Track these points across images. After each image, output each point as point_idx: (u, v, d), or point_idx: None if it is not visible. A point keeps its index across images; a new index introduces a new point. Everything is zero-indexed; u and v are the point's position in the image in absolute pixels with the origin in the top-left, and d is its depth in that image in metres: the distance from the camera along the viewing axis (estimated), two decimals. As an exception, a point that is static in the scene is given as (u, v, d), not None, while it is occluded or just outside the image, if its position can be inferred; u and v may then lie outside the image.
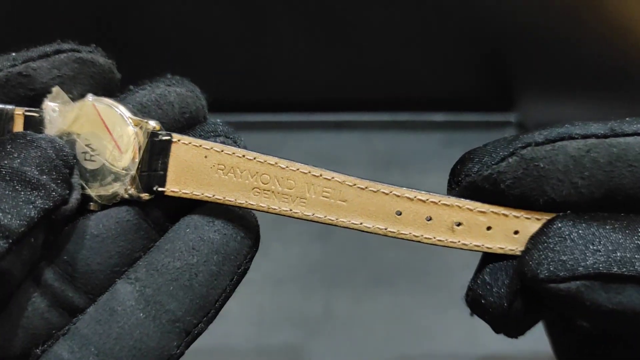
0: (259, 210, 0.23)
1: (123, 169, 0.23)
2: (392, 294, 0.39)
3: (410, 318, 0.40)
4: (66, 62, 0.23)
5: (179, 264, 0.21)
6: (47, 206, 0.20)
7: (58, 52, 0.23)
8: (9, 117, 0.23)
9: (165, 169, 0.23)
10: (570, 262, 0.21)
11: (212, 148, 0.22)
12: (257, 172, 0.22)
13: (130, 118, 0.23)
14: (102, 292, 0.22)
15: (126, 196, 0.23)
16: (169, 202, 0.23)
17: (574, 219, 0.22)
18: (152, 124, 0.23)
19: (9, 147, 0.21)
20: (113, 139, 0.23)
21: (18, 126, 0.23)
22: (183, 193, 0.23)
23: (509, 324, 0.24)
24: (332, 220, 0.23)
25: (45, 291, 0.22)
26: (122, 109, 0.23)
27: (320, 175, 0.23)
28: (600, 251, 0.21)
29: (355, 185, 0.23)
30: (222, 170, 0.23)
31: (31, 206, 0.20)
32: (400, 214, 0.23)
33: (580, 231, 0.22)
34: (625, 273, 0.21)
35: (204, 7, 0.44)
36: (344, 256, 0.43)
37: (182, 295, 0.21)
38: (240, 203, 0.22)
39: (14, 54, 0.23)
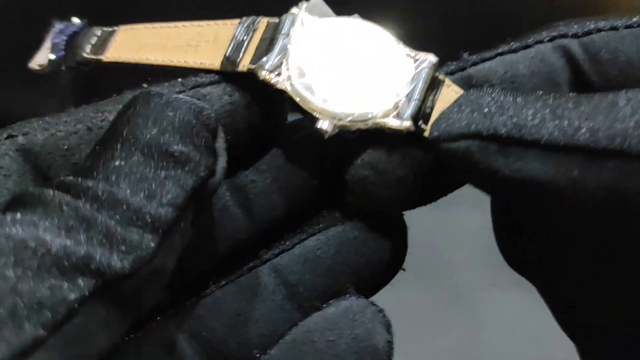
0: None
1: (390, 89, 0.21)
2: (393, 290, 0.39)
3: (411, 315, 0.40)
4: (237, 88, 0.22)
5: None
6: (195, 184, 0.18)
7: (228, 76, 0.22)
8: (253, 24, 0.22)
9: (432, 108, 0.21)
10: (465, 121, 0.19)
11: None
12: None
13: (405, 47, 0.22)
14: None
15: (381, 122, 0.21)
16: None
17: (494, 87, 0.20)
18: (431, 57, 0.22)
19: (141, 109, 0.19)
20: (382, 56, 0.21)
21: (259, 33, 0.22)
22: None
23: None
24: None
25: None
26: (394, 36, 0.22)
27: None
28: (504, 114, 0.19)
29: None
30: None
31: (178, 187, 0.18)
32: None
33: (494, 96, 0.19)
34: (527, 137, 0.18)
35: (202, 4, 0.44)
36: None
37: None
38: None
39: (180, 80, 0.22)
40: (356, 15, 0.22)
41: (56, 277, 0.16)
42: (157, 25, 0.23)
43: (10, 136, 0.21)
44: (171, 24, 0.23)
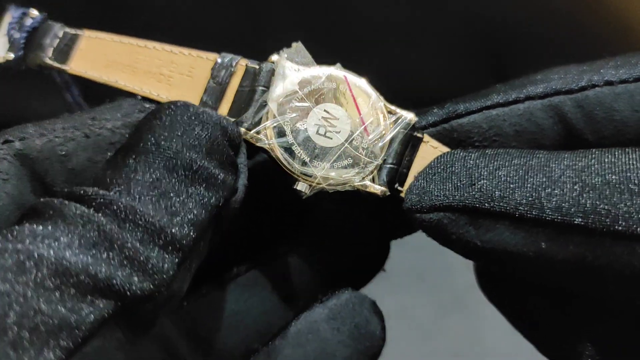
0: None
1: (367, 155, 0.21)
2: (394, 293, 0.39)
3: (411, 317, 0.40)
4: None
5: None
6: (218, 203, 0.18)
7: None
8: (231, 66, 0.21)
9: (408, 168, 0.21)
10: (435, 192, 0.19)
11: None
12: None
13: (385, 104, 0.21)
14: None
15: (358, 186, 0.21)
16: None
17: (467, 151, 0.20)
18: (410, 116, 0.21)
19: (168, 121, 0.18)
20: (362, 119, 0.21)
21: (237, 78, 0.21)
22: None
23: None
24: None
25: None
26: (374, 91, 0.21)
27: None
28: (475, 184, 0.19)
29: None
30: None
31: (200, 206, 0.17)
32: None
33: (466, 162, 0.19)
34: (496, 209, 0.18)
35: (203, 3, 0.43)
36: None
37: None
38: None
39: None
40: (338, 65, 0.21)
41: (77, 297, 0.15)
42: (125, 39, 0.22)
43: (6, 141, 0.20)
44: (141, 42, 0.22)
